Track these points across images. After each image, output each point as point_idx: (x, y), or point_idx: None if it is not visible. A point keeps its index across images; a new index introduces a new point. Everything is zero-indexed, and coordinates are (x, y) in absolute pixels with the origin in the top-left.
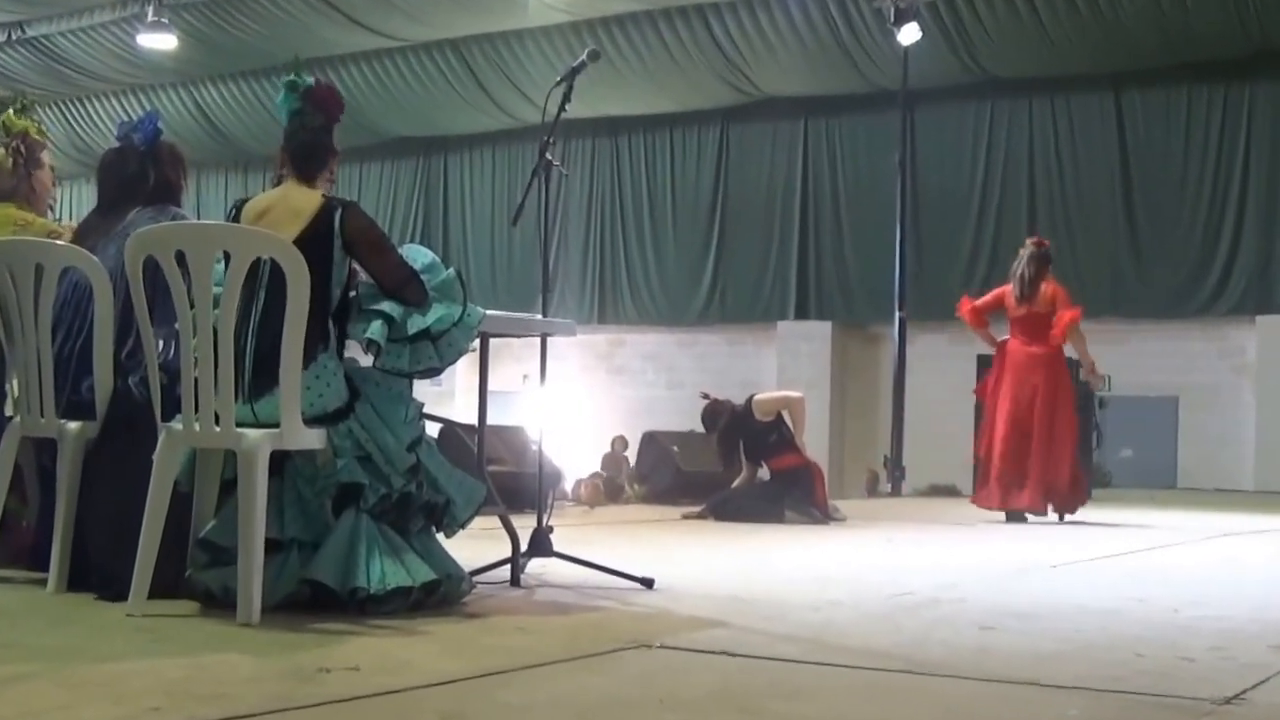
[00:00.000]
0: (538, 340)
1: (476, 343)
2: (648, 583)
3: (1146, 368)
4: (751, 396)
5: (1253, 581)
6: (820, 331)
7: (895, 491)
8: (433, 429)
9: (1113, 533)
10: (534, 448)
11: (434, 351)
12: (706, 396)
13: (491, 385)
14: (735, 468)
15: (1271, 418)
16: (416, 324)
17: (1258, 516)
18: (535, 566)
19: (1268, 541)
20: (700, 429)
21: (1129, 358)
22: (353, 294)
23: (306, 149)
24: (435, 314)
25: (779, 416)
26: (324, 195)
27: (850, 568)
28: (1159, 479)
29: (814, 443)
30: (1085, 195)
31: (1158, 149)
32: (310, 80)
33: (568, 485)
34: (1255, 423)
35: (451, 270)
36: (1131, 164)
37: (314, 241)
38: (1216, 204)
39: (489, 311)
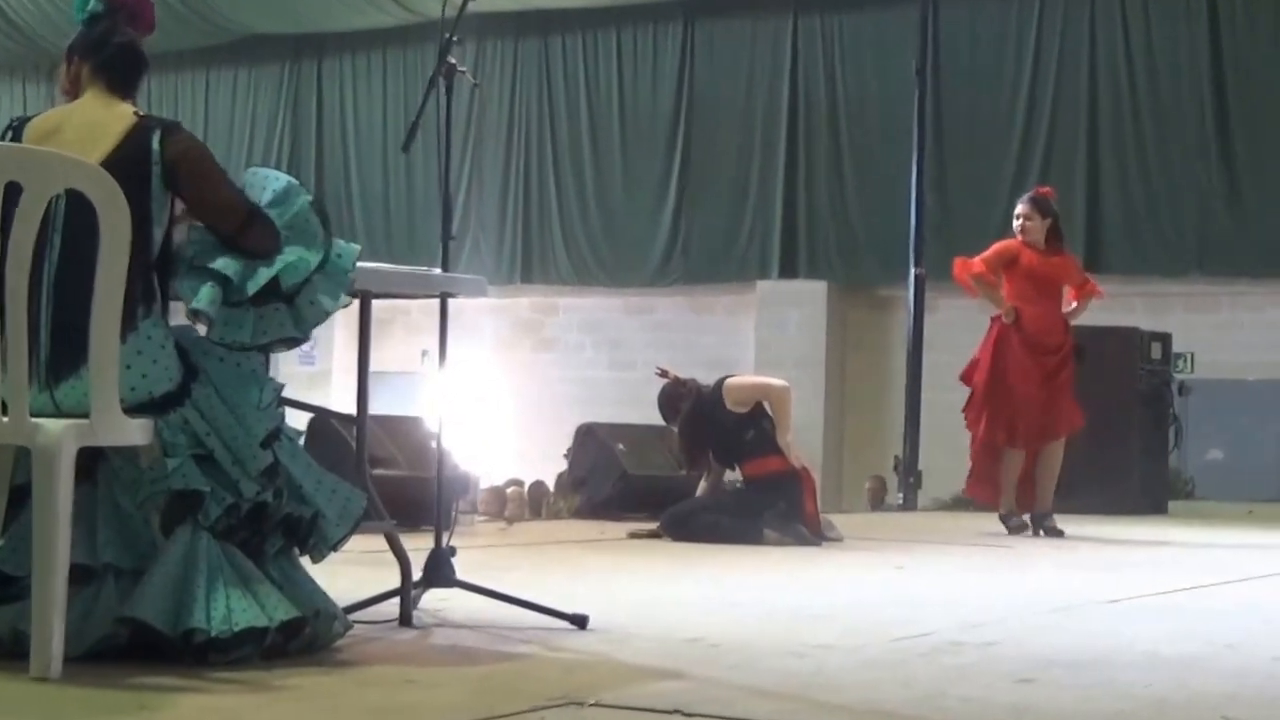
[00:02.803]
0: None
1: (355, 302)
2: (580, 621)
3: (1244, 343)
4: (723, 379)
5: None
6: (813, 295)
7: (908, 504)
8: (299, 420)
9: (1195, 557)
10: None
11: (288, 315)
12: (665, 374)
13: (382, 364)
14: (700, 471)
15: None
16: (260, 279)
17: None
18: (433, 600)
19: None
20: (657, 419)
21: (1220, 330)
22: (178, 242)
23: (122, 54)
24: (283, 261)
25: (758, 408)
26: (137, 111)
27: (847, 602)
28: (1259, 488)
29: (804, 440)
30: (1165, 115)
31: (1264, 51)
32: None
33: (480, 494)
34: None
35: (305, 198)
36: (1227, 72)
37: (125, 169)
38: None
39: (370, 264)
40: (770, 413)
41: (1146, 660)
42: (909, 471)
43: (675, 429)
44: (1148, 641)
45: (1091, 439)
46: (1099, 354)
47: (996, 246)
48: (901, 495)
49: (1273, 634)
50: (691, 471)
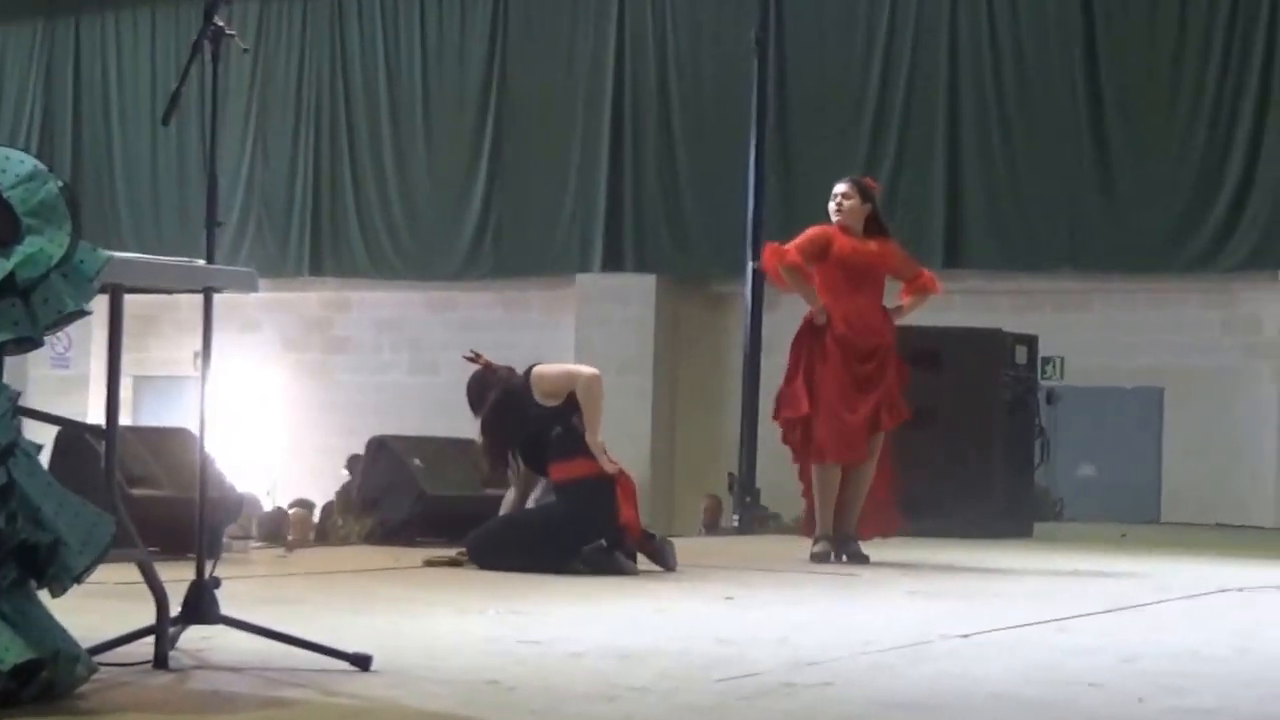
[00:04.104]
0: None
1: (100, 301)
2: (362, 662)
3: (1118, 346)
4: (531, 368)
5: (1264, 656)
6: (640, 289)
7: (745, 526)
8: (42, 433)
9: (1059, 586)
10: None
11: (24, 312)
12: (476, 359)
13: (148, 367)
14: (501, 474)
15: None
16: None
17: (1277, 566)
18: (193, 639)
19: None
20: (463, 430)
21: (1092, 331)
22: None
23: None
24: (21, 254)
25: (570, 401)
26: None
27: (668, 638)
28: (1135, 508)
29: (630, 453)
30: (1033, 96)
31: (1140, 25)
32: None
33: (258, 517)
34: (1277, 425)
35: (54, 184)
36: (1101, 47)
37: None
38: (1223, 112)
39: (121, 254)
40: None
41: (997, 704)
42: (746, 490)
43: (479, 425)
44: (1000, 682)
45: (948, 454)
46: (957, 358)
47: (810, 232)
48: (737, 516)
49: (1139, 673)
50: (492, 474)
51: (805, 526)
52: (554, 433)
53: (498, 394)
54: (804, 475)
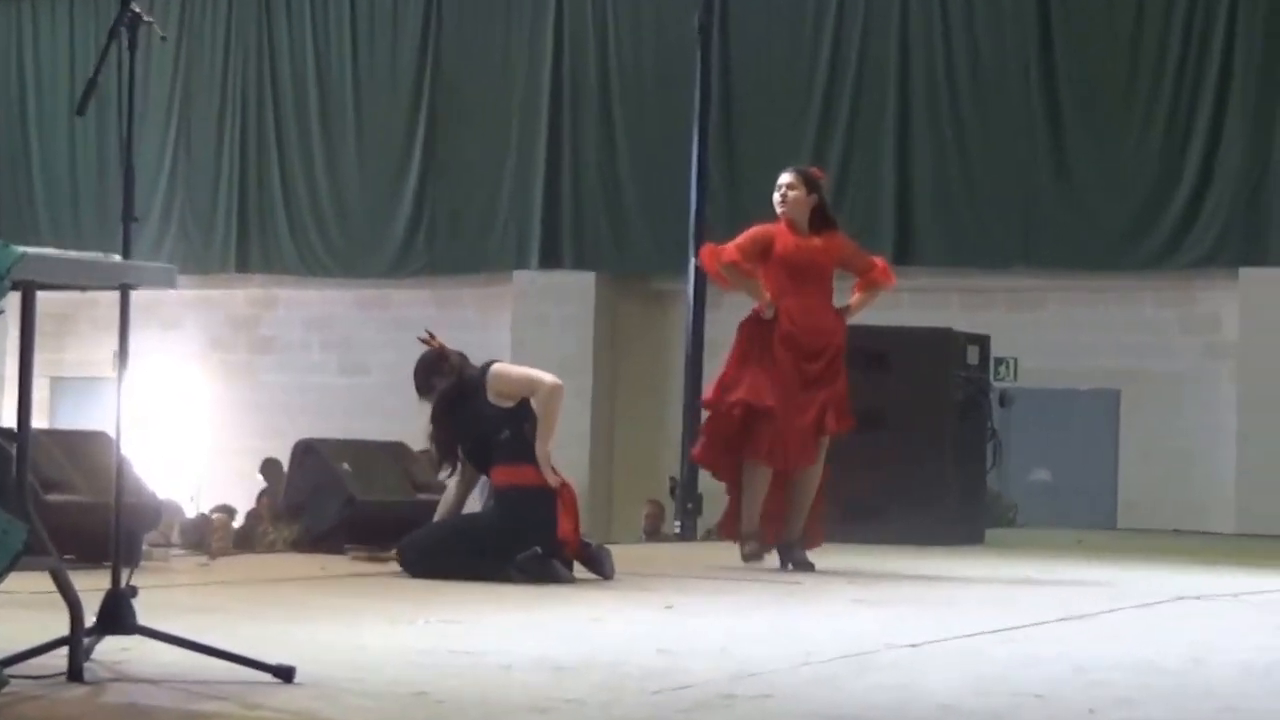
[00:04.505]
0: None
1: (12, 299)
2: (285, 673)
3: (1072, 346)
4: (490, 364)
5: (1218, 669)
6: (579, 287)
7: (687, 533)
8: None
9: (1010, 595)
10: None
11: None
12: (430, 341)
13: (65, 368)
14: (450, 468)
15: (1261, 422)
16: None
17: (1236, 573)
18: (110, 650)
19: (1249, 611)
20: (394, 432)
21: (1047, 331)
22: None
23: None
24: None
25: (523, 405)
26: None
27: (604, 648)
28: (1091, 514)
29: (568, 457)
30: (987, 86)
31: (1098, 20)
32: None
33: (180, 524)
34: (1236, 429)
35: None
36: (1057, 36)
37: None
38: (1182, 103)
39: (34, 250)
40: (538, 414)
41: (943, 715)
42: (688, 495)
43: (430, 414)
44: (947, 693)
45: (897, 458)
46: (906, 359)
47: (750, 231)
48: (679, 523)
49: (1089, 684)
50: (443, 468)
51: (725, 527)
52: (502, 435)
53: (449, 384)
54: (728, 473)
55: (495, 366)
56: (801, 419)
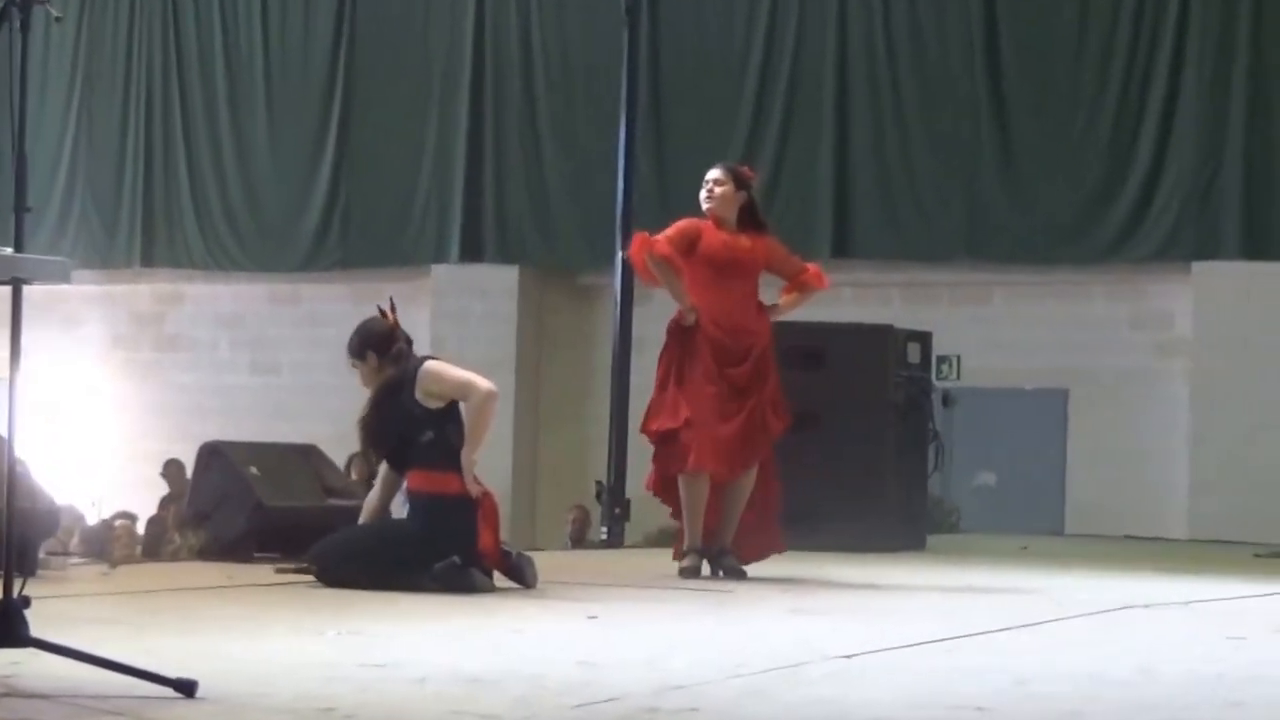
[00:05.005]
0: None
1: None
2: (187, 688)
3: (1019, 344)
4: (425, 360)
5: (1166, 680)
6: (502, 281)
7: (614, 540)
8: None
9: (950, 604)
10: (19, 472)
11: None
12: (387, 315)
13: None
14: (380, 458)
15: (1215, 423)
16: None
17: (1188, 580)
18: (0, 664)
19: (1199, 619)
20: (308, 433)
21: (991, 327)
22: None
23: None
24: None
25: (452, 408)
26: None
27: (524, 660)
28: (1037, 519)
29: (490, 460)
30: (928, 72)
31: (1044, 2)
32: None
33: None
34: (1189, 431)
35: None
36: (1001, 23)
37: None
38: (1133, 88)
39: None
40: (465, 419)
41: None
42: (615, 500)
43: (367, 400)
44: (882, 706)
45: (834, 461)
46: (843, 357)
47: (680, 224)
48: (606, 529)
49: (1031, 696)
50: (374, 458)
51: (677, 550)
52: (424, 437)
53: (391, 379)
54: (670, 497)
55: (430, 364)
56: (726, 427)
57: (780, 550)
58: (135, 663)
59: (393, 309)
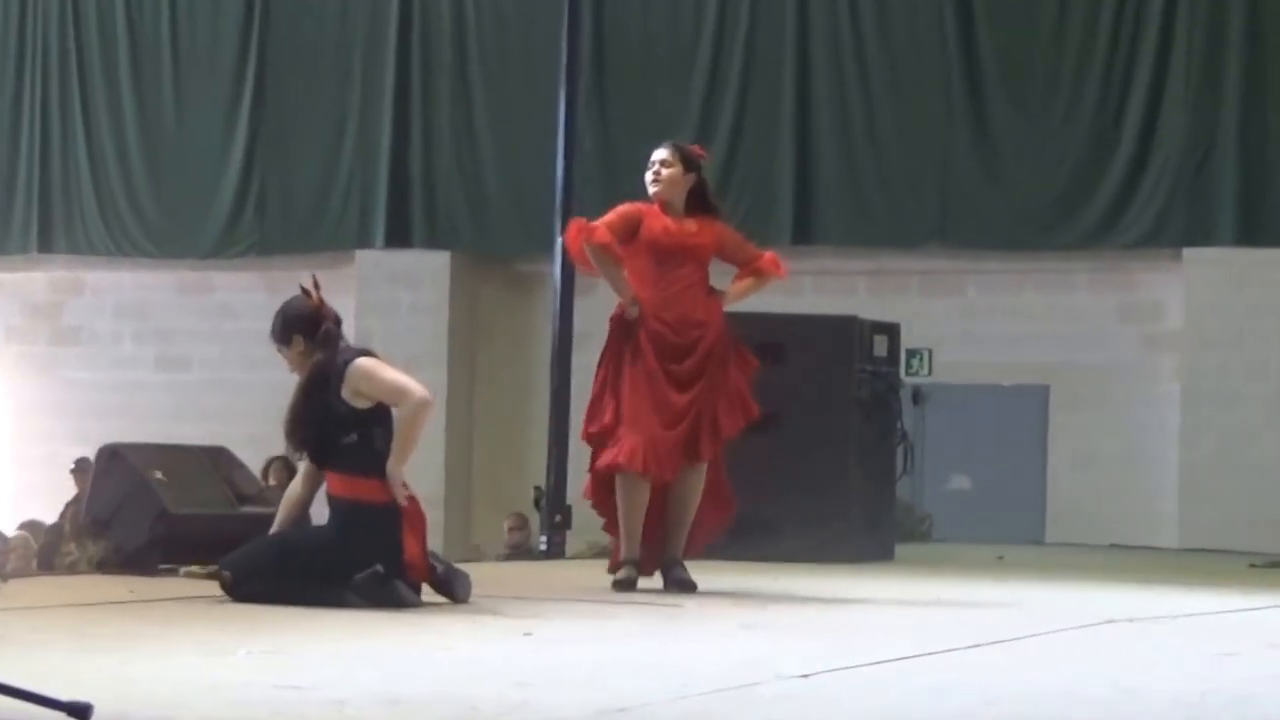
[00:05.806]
0: None
1: None
2: (80, 712)
3: (995, 337)
4: (359, 355)
5: (1147, 700)
6: (431, 269)
7: (554, 550)
8: None
9: (916, 618)
10: None
11: None
12: (311, 294)
13: None
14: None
15: (1207, 422)
16: None
17: (1176, 593)
18: None
19: (1186, 635)
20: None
21: (966, 319)
22: None
23: None
24: None
25: (381, 410)
26: None
27: (454, 680)
28: (1015, 527)
29: (421, 463)
30: (896, 44)
31: None
32: None
33: None
34: (1180, 431)
35: None
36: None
37: None
38: (1119, 61)
39: None
40: (396, 424)
41: None
42: (555, 508)
43: (294, 389)
44: None
45: (793, 464)
46: (804, 351)
47: (621, 208)
48: (545, 538)
49: (998, 717)
50: (291, 449)
51: (613, 562)
52: (347, 438)
53: (320, 367)
54: (607, 506)
55: (362, 361)
56: (668, 426)
57: (731, 511)
58: (23, 685)
59: (316, 286)
